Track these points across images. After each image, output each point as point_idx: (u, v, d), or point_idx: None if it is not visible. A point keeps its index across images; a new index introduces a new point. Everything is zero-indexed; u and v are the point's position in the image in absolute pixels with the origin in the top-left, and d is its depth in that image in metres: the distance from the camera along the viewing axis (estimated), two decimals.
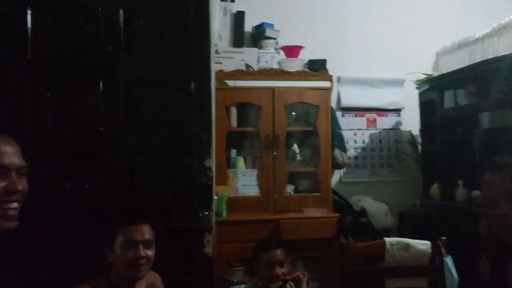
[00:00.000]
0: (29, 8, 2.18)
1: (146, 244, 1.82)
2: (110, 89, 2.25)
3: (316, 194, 3.43)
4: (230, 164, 3.39)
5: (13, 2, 2.19)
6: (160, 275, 1.98)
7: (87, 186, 2.19)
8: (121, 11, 2.25)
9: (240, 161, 3.41)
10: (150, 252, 1.82)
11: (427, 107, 3.53)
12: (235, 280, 2.99)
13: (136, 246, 1.79)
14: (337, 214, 3.34)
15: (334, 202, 3.47)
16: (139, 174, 2.26)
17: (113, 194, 2.21)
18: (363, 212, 3.49)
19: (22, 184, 1.18)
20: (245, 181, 3.37)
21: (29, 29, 2.18)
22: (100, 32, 2.24)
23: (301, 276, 2.18)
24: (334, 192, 3.55)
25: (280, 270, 2.19)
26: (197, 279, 2.27)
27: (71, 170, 2.18)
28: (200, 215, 2.31)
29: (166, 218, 2.20)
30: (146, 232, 1.84)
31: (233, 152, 3.44)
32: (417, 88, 3.70)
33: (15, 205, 1.15)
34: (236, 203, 3.28)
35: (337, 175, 3.79)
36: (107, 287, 1.79)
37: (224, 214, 3.17)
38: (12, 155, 1.17)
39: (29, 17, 2.18)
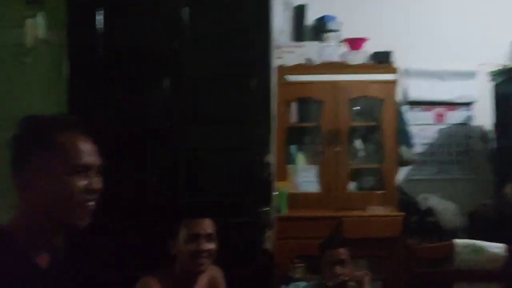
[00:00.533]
0: (99, 8, 2.28)
1: (208, 238, 1.84)
2: (175, 86, 2.30)
3: (380, 191, 3.32)
4: (290, 160, 3.37)
5: (85, 2, 2.30)
6: (220, 269, 2.00)
7: (153, 179, 2.26)
8: (185, 8, 2.29)
9: (301, 157, 3.38)
10: (212, 246, 1.84)
11: (503, 100, 3.30)
12: (297, 277, 2.98)
13: (198, 240, 1.82)
14: (403, 213, 3.22)
15: (400, 200, 3.34)
16: (201, 170, 2.30)
17: (175, 188, 2.26)
18: (430, 211, 3.33)
19: (99, 183, 1.21)
20: (306, 177, 3.33)
21: (99, 29, 2.28)
22: (165, 30, 2.30)
23: (363, 276, 2.12)
24: (400, 190, 3.42)
25: (341, 270, 2.15)
26: (257, 274, 2.28)
27: (136, 165, 2.26)
28: (260, 210, 2.31)
29: (227, 213, 2.22)
30: (208, 226, 1.86)
31: (293, 148, 3.41)
32: (492, 80, 3.46)
33: (92, 203, 1.19)
34: (297, 199, 3.26)
35: (403, 172, 3.63)
36: (171, 279, 1.83)
37: (285, 210, 3.15)
38: (91, 154, 1.20)
39: (99, 17, 2.28)
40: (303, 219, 3.15)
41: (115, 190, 2.11)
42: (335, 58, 3.40)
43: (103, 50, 2.29)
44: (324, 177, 3.30)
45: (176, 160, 2.29)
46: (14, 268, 1.07)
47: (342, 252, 2.19)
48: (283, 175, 3.18)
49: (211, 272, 1.94)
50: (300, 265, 3.16)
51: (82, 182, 1.16)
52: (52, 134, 1.19)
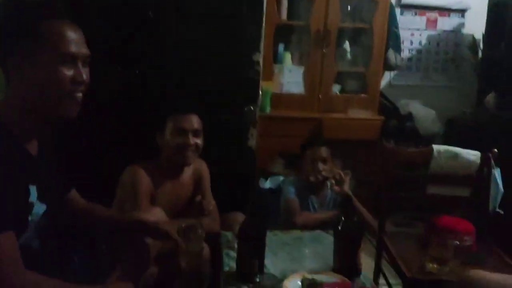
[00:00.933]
0: None
1: (195, 133, 1.86)
2: None
3: (363, 95, 3.35)
4: (276, 59, 3.31)
5: None
6: (206, 159, 2.04)
7: (137, 71, 2.21)
8: None
9: (287, 57, 3.32)
10: (198, 141, 1.87)
11: (497, 9, 3.22)
12: (276, 171, 3.10)
13: (185, 134, 1.84)
14: (382, 117, 3.29)
15: (381, 104, 3.39)
16: (188, 66, 2.24)
17: (162, 82, 2.22)
18: (410, 117, 3.41)
19: (86, 74, 1.17)
20: (291, 78, 3.31)
21: None
22: None
23: (342, 175, 2.22)
24: (382, 95, 3.45)
25: (322, 166, 2.24)
26: (240, 169, 2.35)
27: (122, 56, 2.19)
28: (246, 109, 2.32)
29: (213, 110, 2.22)
30: (195, 121, 1.88)
31: (281, 46, 3.33)
32: None
33: (80, 95, 1.16)
34: (280, 99, 3.27)
35: (387, 77, 3.64)
36: (157, 169, 1.88)
37: (268, 110, 3.17)
38: (78, 43, 1.15)
39: None
40: (286, 119, 3.19)
41: (103, 83, 2.09)
42: None
43: None
44: (309, 79, 3.28)
45: (164, 54, 2.21)
46: (5, 152, 1.07)
47: (324, 151, 2.26)
48: (268, 74, 3.15)
49: (196, 164, 2.00)
50: (279, 161, 3.27)
51: (69, 72, 1.13)
52: (38, 21, 1.12)
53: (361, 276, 1.54)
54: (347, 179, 2.21)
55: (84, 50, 1.17)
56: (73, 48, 1.13)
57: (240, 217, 1.99)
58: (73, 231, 1.38)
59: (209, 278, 1.81)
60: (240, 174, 2.36)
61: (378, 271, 2.02)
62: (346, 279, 1.44)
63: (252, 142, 2.37)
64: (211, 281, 1.81)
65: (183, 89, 2.24)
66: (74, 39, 1.14)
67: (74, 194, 1.42)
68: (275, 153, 3.20)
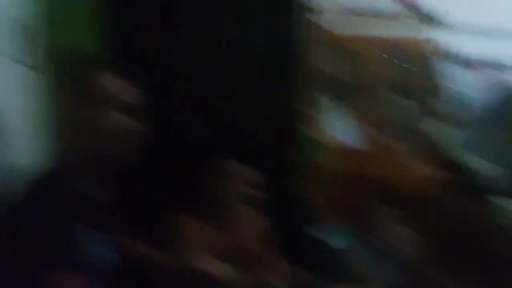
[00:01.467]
0: None
1: None
2: None
3: None
4: None
5: None
6: None
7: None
8: None
9: None
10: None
11: None
12: None
13: None
14: None
15: None
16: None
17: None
18: None
19: (136, 122, 1.20)
20: None
21: None
22: None
23: None
24: None
25: None
26: None
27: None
28: None
29: None
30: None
31: None
32: None
33: (132, 141, 1.19)
34: None
35: None
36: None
37: None
38: (125, 91, 1.20)
39: None
40: None
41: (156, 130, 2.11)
42: None
43: None
44: None
45: None
46: (74, 202, 1.10)
47: None
48: None
49: None
50: None
51: (116, 118, 1.15)
52: (87, 74, 1.17)
53: None
54: None
55: (132, 98, 1.20)
56: (121, 97, 1.17)
57: None
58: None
59: None
60: None
61: None
62: None
63: None
64: None
65: None
66: (121, 88, 1.18)
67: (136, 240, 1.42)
68: None
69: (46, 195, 1.08)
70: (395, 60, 3.18)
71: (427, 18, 3.05)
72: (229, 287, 1.46)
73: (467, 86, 3.35)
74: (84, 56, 1.20)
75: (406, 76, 3.22)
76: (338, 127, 3.18)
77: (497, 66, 3.37)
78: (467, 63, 3.37)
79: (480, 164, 3.20)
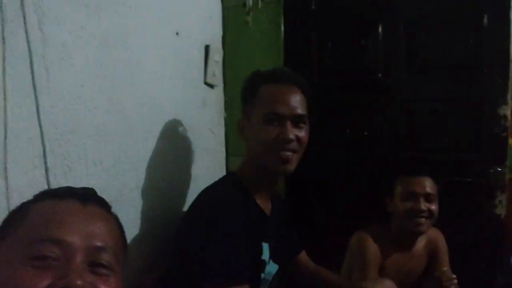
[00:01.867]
0: None
1: (428, 198, 1.68)
2: (390, 31, 2.12)
3: None
4: None
5: None
6: (443, 232, 1.82)
7: (365, 133, 2.17)
8: None
9: None
10: (432, 206, 1.68)
11: None
12: None
13: (417, 198, 1.67)
14: None
15: None
16: (419, 123, 2.09)
17: (391, 142, 2.13)
18: None
19: (297, 133, 1.19)
20: None
21: None
22: None
23: None
24: None
25: None
26: (485, 241, 2.01)
27: (350, 117, 2.20)
28: (491, 170, 2.00)
29: (451, 172, 1.99)
30: (428, 184, 1.70)
31: None
32: None
33: (288, 153, 1.17)
34: None
35: None
36: (386, 237, 1.75)
37: None
38: (291, 104, 1.19)
39: None
40: None
41: (330, 142, 2.13)
42: None
43: (316, 2, 2.24)
44: None
45: (391, 112, 2.13)
46: (244, 209, 1.14)
47: None
48: None
49: (431, 234, 1.79)
50: None
51: (275, 131, 1.16)
52: (257, 86, 1.21)
53: None
54: None
55: (296, 111, 1.18)
56: (281, 108, 1.16)
57: None
58: None
59: None
60: (485, 247, 2.01)
61: None
62: None
63: (501, 210, 2.01)
64: None
65: (414, 150, 2.09)
66: (285, 100, 1.17)
67: (303, 256, 1.43)
68: None
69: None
70: None
71: None
72: None
73: None
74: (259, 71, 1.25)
75: None
76: None
77: None
78: None
79: None
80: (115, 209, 0.73)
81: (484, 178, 2.00)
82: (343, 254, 1.83)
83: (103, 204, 0.72)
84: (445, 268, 1.75)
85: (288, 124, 1.17)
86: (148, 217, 1.27)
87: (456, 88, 2.04)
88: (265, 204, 1.25)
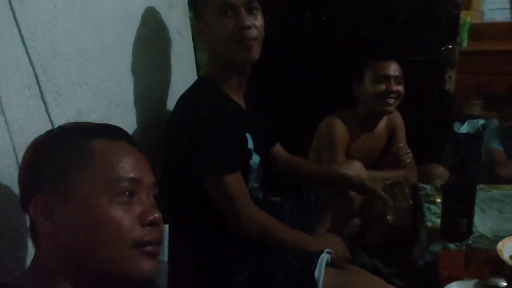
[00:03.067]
0: None
1: (397, 80, 1.79)
2: None
3: None
4: None
5: None
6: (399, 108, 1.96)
7: (324, 18, 2.18)
8: None
9: None
10: (400, 88, 1.80)
11: None
12: (473, 113, 2.83)
13: (388, 80, 1.77)
14: None
15: None
16: (379, 3, 2.11)
17: (351, 23, 2.15)
18: None
19: (253, 21, 1.19)
20: (494, 4, 2.87)
21: None
22: None
23: None
24: None
25: None
26: (437, 115, 2.20)
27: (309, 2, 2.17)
28: (443, 48, 2.11)
29: (407, 51, 2.09)
30: (396, 68, 1.80)
31: None
32: None
33: (250, 41, 1.18)
34: (480, 30, 2.88)
35: None
36: (353, 120, 1.88)
37: (465, 43, 2.84)
38: None
39: None
40: (487, 53, 2.81)
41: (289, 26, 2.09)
42: None
43: None
44: None
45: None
46: (223, 106, 1.20)
47: None
48: (466, 2, 2.78)
49: (390, 114, 1.93)
50: (477, 101, 2.95)
51: (231, 21, 1.17)
52: None
53: None
54: None
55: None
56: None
57: (439, 169, 1.88)
58: (282, 183, 1.50)
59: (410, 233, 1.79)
60: (436, 121, 2.21)
61: None
62: None
63: (451, 85, 2.18)
64: (412, 236, 1.78)
65: (376, 29, 2.13)
66: None
67: (278, 147, 1.52)
68: (472, 92, 2.89)
69: None
70: None
71: None
72: None
73: None
74: None
75: None
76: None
77: None
78: None
79: None
80: None
81: (436, 55, 2.13)
82: (309, 139, 1.96)
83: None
84: (401, 144, 1.94)
85: (243, 12, 1.17)
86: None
87: None
88: (240, 100, 1.30)
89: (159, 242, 0.71)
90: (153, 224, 0.70)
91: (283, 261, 1.14)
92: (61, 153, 0.69)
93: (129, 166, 0.70)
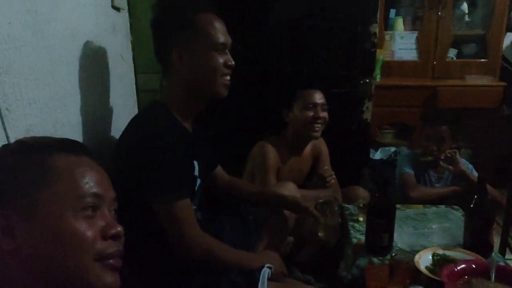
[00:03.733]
0: None
1: (322, 107, 1.95)
2: None
3: (482, 60, 3.16)
4: (387, 25, 3.23)
5: None
6: (322, 135, 2.10)
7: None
8: None
9: (399, 23, 3.22)
10: (325, 114, 1.95)
11: None
12: (385, 141, 3.10)
13: (315, 108, 1.92)
14: (504, 83, 3.09)
15: (502, 69, 3.17)
16: (304, 40, 2.29)
17: (280, 58, 2.30)
18: None
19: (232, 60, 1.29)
20: (403, 45, 3.21)
21: None
22: None
23: (453, 154, 2.17)
24: (504, 58, 3.22)
25: (437, 147, 2.19)
26: (356, 142, 2.40)
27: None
28: (361, 82, 2.33)
29: (329, 84, 2.26)
30: (322, 96, 1.96)
31: (392, 12, 3.23)
32: None
33: (228, 78, 1.30)
34: (391, 67, 3.20)
35: (508, 38, 3.37)
36: (283, 145, 2.00)
37: (378, 79, 3.13)
38: (225, 33, 1.28)
39: None
40: (397, 88, 3.12)
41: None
42: None
43: None
44: (422, 44, 3.16)
45: (280, 31, 2.27)
46: (174, 131, 1.24)
47: (444, 131, 2.20)
48: (379, 42, 3.07)
49: (315, 140, 2.08)
50: (389, 131, 3.25)
51: (221, 58, 1.26)
52: (193, 15, 1.25)
53: (493, 254, 1.54)
54: (457, 157, 2.16)
55: (230, 40, 1.29)
56: (223, 38, 1.25)
57: (360, 191, 2.05)
58: (222, 203, 1.56)
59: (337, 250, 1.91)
60: (356, 148, 2.41)
61: (504, 248, 1.99)
62: (479, 256, 1.46)
63: (368, 115, 2.39)
64: (339, 253, 1.90)
65: (299, 64, 2.29)
66: (222, 30, 1.26)
67: (219, 169, 1.58)
68: (385, 123, 3.18)
69: None
70: None
71: None
72: None
73: None
74: None
75: None
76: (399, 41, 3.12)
77: None
78: None
79: None
80: None
81: (355, 88, 2.34)
82: (242, 163, 2.05)
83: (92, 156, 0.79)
84: (326, 167, 2.09)
85: (228, 52, 1.27)
86: None
87: (334, 7, 2.26)
88: (189, 127, 1.35)
89: (120, 255, 0.73)
90: (115, 237, 0.72)
91: (227, 279, 1.19)
92: (21, 168, 0.69)
93: (92, 181, 0.72)
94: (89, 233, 0.68)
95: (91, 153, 0.78)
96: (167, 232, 1.17)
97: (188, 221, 1.17)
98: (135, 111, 1.79)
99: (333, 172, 2.07)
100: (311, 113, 1.92)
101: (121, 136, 1.26)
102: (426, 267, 1.39)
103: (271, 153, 1.94)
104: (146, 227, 1.18)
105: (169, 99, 1.29)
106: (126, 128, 1.25)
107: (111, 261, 0.71)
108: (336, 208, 1.51)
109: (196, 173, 1.30)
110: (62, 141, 0.77)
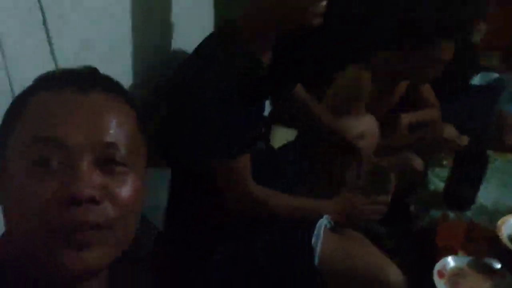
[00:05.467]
0: None
1: None
2: None
3: None
4: None
5: None
6: None
7: None
8: None
9: None
10: None
11: None
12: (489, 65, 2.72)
13: None
14: None
15: None
16: None
17: None
18: None
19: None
20: None
21: None
22: None
23: None
24: None
25: None
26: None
27: None
28: None
29: None
30: None
31: None
32: None
33: None
34: None
35: None
36: None
37: None
38: None
39: None
40: None
41: None
42: None
43: None
44: None
45: None
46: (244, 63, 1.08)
47: None
48: None
49: None
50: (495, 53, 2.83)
51: None
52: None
53: None
54: None
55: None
56: None
57: (449, 129, 1.81)
58: None
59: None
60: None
61: None
62: None
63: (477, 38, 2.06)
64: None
65: None
66: None
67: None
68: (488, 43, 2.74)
69: None
70: None
71: None
72: None
73: None
74: None
75: None
76: None
77: None
78: None
79: None
80: None
81: None
82: None
83: (111, 87, 0.54)
84: None
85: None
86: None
87: None
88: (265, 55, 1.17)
89: (100, 226, 0.48)
90: (77, 202, 0.47)
91: (265, 239, 1.13)
92: (8, 110, 0.53)
93: (57, 121, 0.49)
94: (37, 196, 0.47)
95: (110, 87, 0.54)
96: (221, 187, 1.07)
97: (244, 177, 1.07)
98: None
99: None
100: None
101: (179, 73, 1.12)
102: (510, 237, 1.23)
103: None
104: (196, 182, 1.10)
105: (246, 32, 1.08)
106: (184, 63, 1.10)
107: (77, 235, 0.47)
108: (390, 185, 1.30)
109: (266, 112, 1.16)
110: (71, 73, 0.54)
